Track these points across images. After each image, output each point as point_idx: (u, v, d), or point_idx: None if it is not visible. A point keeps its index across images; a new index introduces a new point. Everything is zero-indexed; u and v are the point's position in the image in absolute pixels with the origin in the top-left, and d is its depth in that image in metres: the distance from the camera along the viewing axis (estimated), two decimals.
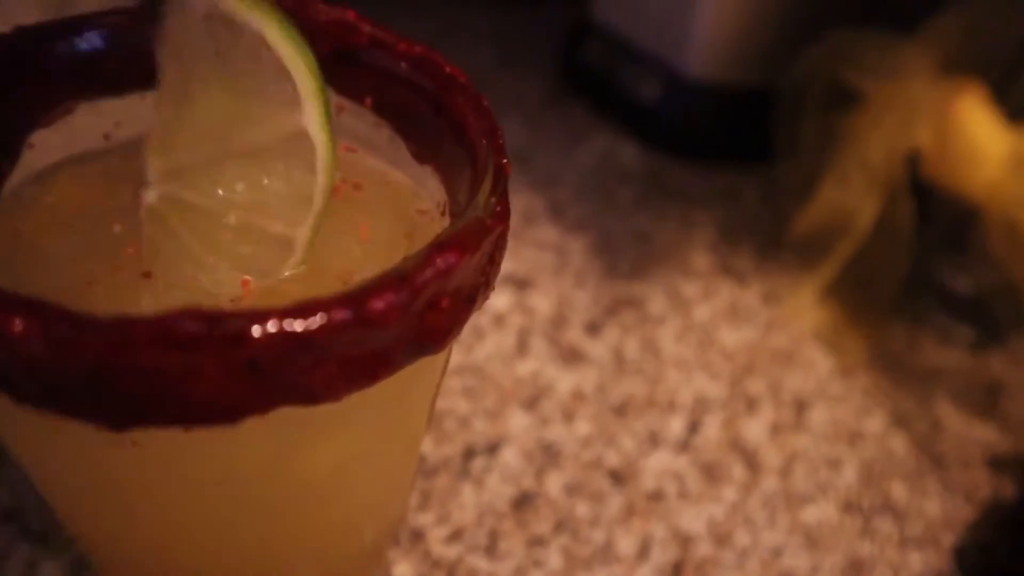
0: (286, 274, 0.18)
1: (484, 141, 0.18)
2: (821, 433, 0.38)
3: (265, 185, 0.19)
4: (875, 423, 0.39)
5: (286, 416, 0.15)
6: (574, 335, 0.39)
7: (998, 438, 0.39)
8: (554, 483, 0.33)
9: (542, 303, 0.41)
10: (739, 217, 0.48)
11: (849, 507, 0.35)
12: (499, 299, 0.40)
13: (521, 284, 0.42)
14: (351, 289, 0.14)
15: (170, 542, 0.20)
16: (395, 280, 0.14)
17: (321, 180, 0.18)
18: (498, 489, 0.33)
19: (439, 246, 0.15)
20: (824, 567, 0.33)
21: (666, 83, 0.49)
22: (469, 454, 0.34)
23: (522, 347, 0.38)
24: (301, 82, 0.17)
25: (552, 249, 0.44)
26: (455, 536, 0.31)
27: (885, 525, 0.35)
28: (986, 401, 0.41)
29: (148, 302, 0.17)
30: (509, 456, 0.34)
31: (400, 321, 0.14)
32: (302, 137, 0.17)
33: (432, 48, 0.21)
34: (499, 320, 0.39)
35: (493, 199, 0.17)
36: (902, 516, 0.35)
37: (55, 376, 0.13)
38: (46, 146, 0.21)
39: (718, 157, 0.50)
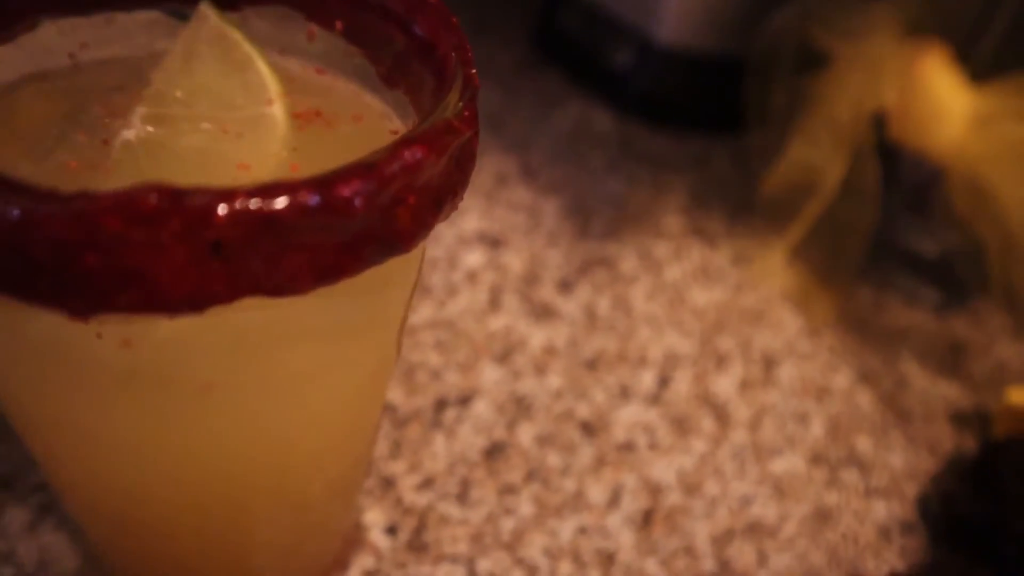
0: None
1: (453, 53, 0.18)
2: (789, 389, 0.38)
3: (233, 135, 0.19)
4: (842, 380, 0.39)
5: (253, 310, 0.15)
6: (546, 292, 0.40)
7: (960, 394, 0.40)
8: (526, 434, 0.34)
9: (515, 261, 0.41)
10: (710, 182, 0.48)
11: (816, 459, 0.35)
12: (472, 257, 0.40)
13: (494, 243, 0.42)
14: (318, 175, 0.14)
15: (132, 463, 0.19)
16: (362, 168, 0.14)
17: (282, 125, 0.20)
18: (470, 439, 0.33)
19: (407, 140, 0.15)
20: (792, 516, 0.33)
21: (638, 50, 0.49)
22: (441, 405, 0.34)
23: (495, 303, 0.39)
24: (271, 87, 0.20)
25: (525, 210, 0.44)
26: (426, 484, 0.31)
27: (851, 476, 0.35)
28: (950, 359, 0.41)
29: None
30: (481, 408, 0.34)
31: (367, 211, 0.14)
32: (268, 116, 0.20)
33: None
34: (472, 277, 0.40)
35: (461, 103, 0.17)
36: (868, 468, 0.36)
37: (19, 255, 0.13)
38: (10, 61, 0.21)
39: (690, 124, 0.51)
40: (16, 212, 0.13)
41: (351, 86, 0.22)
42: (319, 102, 0.21)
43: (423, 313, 0.37)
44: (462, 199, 0.18)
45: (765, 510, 0.33)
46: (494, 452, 0.33)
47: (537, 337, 0.37)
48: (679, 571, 0.30)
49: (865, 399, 0.39)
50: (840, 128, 0.38)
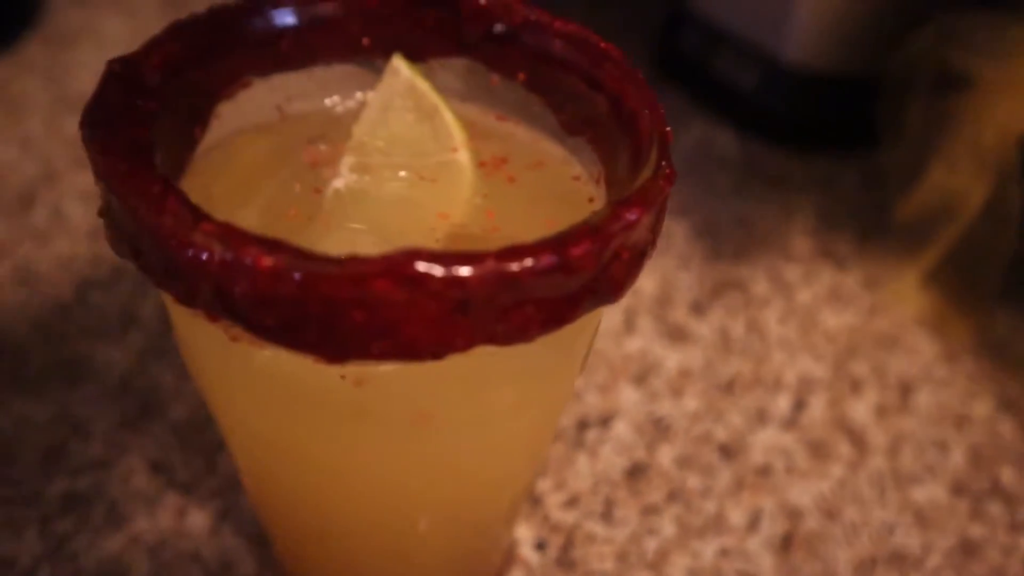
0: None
1: (647, 111, 0.19)
2: (927, 416, 0.38)
3: (428, 181, 0.21)
4: (982, 407, 0.38)
5: (479, 356, 0.16)
6: (679, 315, 0.40)
7: None
8: (665, 455, 0.34)
9: (647, 283, 0.41)
10: (838, 203, 0.48)
11: (959, 489, 0.35)
12: None
13: None
14: (551, 237, 0.15)
15: (340, 486, 0.21)
16: (590, 230, 0.15)
17: (469, 171, 0.21)
18: (611, 459, 0.34)
19: (625, 202, 0.16)
20: (936, 547, 0.33)
21: (764, 70, 0.49)
22: (583, 426, 0.35)
23: (629, 325, 0.39)
24: (456, 135, 0.22)
25: None
26: (572, 502, 0.32)
27: (996, 509, 0.35)
28: None
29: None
30: (621, 428, 0.35)
31: (593, 268, 0.15)
32: (456, 162, 0.21)
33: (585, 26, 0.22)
34: None
35: (664, 163, 0.18)
36: (1014, 500, 0.35)
37: (293, 309, 0.15)
38: (228, 116, 0.23)
39: (816, 145, 0.50)
40: (298, 275, 0.14)
41: (531, 132, 0.23)
42: (502, 148, 0.23)
43: None
44: (657, 246, 0.19)
45: (908, 539, 0.33)
46: (635, 472, 0.34)
47: (672, 359, 0.38)
48: None
49: (1007, 428, 0.38)
50: (983, 152, 0.37)
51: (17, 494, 0.31)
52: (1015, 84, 0.38)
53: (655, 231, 0.18)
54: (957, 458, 0.36)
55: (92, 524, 0.30)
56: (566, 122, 0.22)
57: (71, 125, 0.48)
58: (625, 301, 0.40)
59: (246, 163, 0.22)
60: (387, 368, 0.17)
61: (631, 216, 0.16)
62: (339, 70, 0.24)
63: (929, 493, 0.35)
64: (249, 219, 0.20)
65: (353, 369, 0.17)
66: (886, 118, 0.44)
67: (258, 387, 0.18)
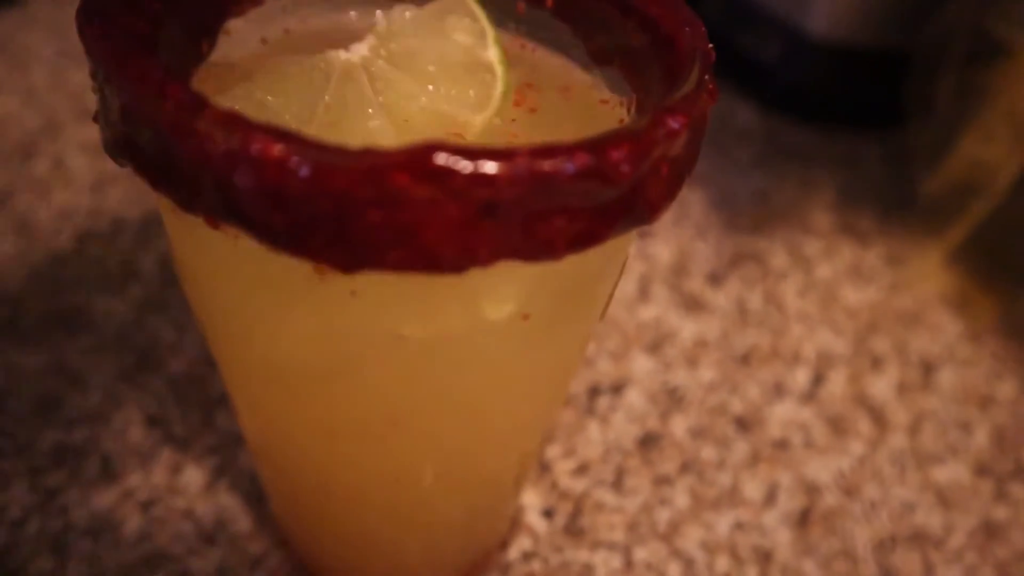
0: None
1: (687, 29, 0.18)
2: (950, 395, 0.36)
3: (452, 74, 0.19)
4: (1007, 388, 0.37)
5: (501, 272, 0.15)
6: (695, 284, 0.39)
7: None
8: (679, 426, 0.33)
9: (663, 251, 0.40)
10: (860, 179, 0.47)
11: (982, 470, 0.34)
12: None
13: (641, 232, 0.41)
14: (590, 138, 0.14)
15: (343, 417, 0.20)
16: (631, 135, 0.14)
17: (499, 86, 0.19)
18: (624, 428, 0.33)
19: (668, 109, 0.15)
20: (959, 527, 0.32)
21: (787, 43, 0.48)
22: (594, 393, 0.34)
23: (644, 293, 0.38)
24: (489, 39, 0.20)
25: None
26: (582, 470, 0.31)
27: (1020, 491, 0.33)
28: None
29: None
30: (633, 397, 0.34)
31: (631, 175, 0.14)
32: (488, 66, 0.20)
33: None
34: None
35: (707, 77, 0.16)
36: None
37: (301, 207, 0.13)
38: (238, 34, 0.21)
39: (839, 121, 0.49)
40: (308, 167, 0.13)
41: (558, 59, 0.22)
42: (528, 74, 0.22)
43: None
44: (693, 170, 0.17)
45: (929, 519, 0.32)
46: (648, 442, 0.32)
47: (688, 329, 0.37)
48: (839, 574, 0.29)
49: None
50: (1020, 123, 0.36)
51: (8, 444, 0.30)
52: None
53: (694, 151, 0.17)
54: (980, 439, 0.35)
55: (84, 477, 0.29)
56: (595, 51, 0.21)
57: (75, 78, 0.47)
58: (639, 268, 0.39)
59: (260, 61, 0.20)
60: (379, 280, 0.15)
61: (675, 124, 0.15)
62: None
63: (952, 473, 0.33)
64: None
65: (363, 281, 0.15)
66: (916, 92, 0.42)
67: (255, 293, 0.17)
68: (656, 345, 0.36)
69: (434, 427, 0.19)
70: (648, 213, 0.15)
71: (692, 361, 0.36)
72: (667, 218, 0.42)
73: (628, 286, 0.38)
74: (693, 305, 0.38)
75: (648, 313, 0.37)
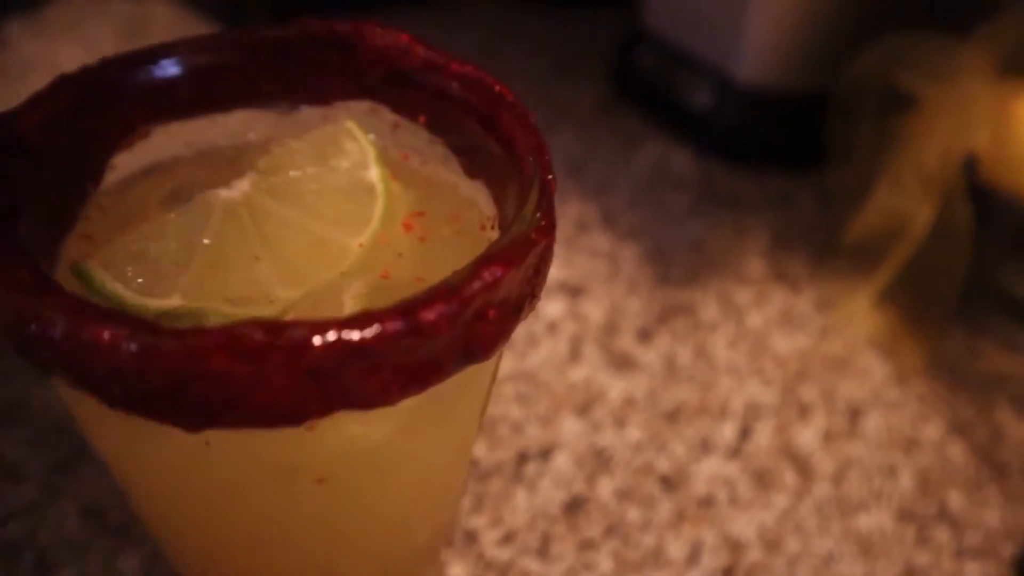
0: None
1: (530, 157, 0.19)
2: (876, 440, 0.37)
3: (333, 200, 0.21)
4: (932, 430, 0.38)
5: (345, 418, 0.16)
6: (626, 342, 0.40)
7: None
8: (605, 488, 0.34)
9: (594, 310, 0.41)
10: (793, 223, 0.48)
11: (905, 516, 0.35)
12: (552, 306, 0.41)
13: (574, 291, 0.42)
14: (403, 301, 0.15)
15: (234, 538, 0.21)
16: (445, 292, 0.15)
17: (380, 205, 0.21)
18: (550, 493, 0.34)
19: (486, 260, 0.16)
20: (877, 575, 0.32)
21: (719, 89, 0.49)
22: (522, 459, 0.35)
23: (575, 354, 0.39)
24: (370, 158, 0.21)
25: (605, 256, 0.44)
26: (508, 538, 0.32)
27: (942, 535, 0.34)
28: None
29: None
30: (561, 461, 0.35)
31: (450, 331, 0.15)
32: (370, 187, 0.21)
33: (482, 67, 0.22)
34: (552, 327, 0.40)
35: (538, 214, 0.17)
36: (960, 526, 0.35)
37: (137, 381, 0.14)
38: (124, 167, 0.22)
39: (771, 163, 0.50)
40: (134, 346, 0.14)
41: (447, 174, 0.23)
42: (423, 198, 0.23)
43: (504, 365, 0.38)
44: (540, 298, 0.18)
45: (851, 569, 0.33)
46: (574, 507, 0.33)
47: (617, 388, 0.38)
48: None
49: (957, 451, 0.37)
50: (928, 172, 0.37)
51: None
52: (959, 105, 0.38)
53: (533, 284, 0.18)
54: (905, 483, 0.36)
55: (19, 574, 0.30)
56: (466, 165, 0.22)
57: None
58: (571, 328, 0.40)
59: (143, 202, 0.22)
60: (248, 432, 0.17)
61: (492, 275, 0.16)
62: (242, 115, 0.24)
63: (874, 520, 0.34)
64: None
65: (215, 434, 0.17)
66: (835, 137, 0.43)
67: (146, 456, 0.18)
68: (585, 406, 0.37)
69: (320, 547, 0.20)
70: (481, 353, 0.16)
71: (620, 421, 0.37)
72: (600, 275, 0.43)
73: (559, 347, 0.39)
74: (623, 363, 0.39)
75: (578, 374, 0.38)
